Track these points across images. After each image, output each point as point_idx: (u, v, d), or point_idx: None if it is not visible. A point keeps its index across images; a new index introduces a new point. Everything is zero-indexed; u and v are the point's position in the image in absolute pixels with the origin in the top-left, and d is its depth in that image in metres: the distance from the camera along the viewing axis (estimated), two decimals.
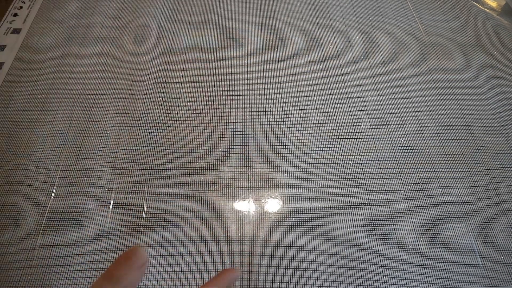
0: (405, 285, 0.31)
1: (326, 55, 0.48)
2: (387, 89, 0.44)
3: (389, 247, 0.33)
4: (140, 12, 0.51)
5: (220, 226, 0.34)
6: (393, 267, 0.32)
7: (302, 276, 0.31)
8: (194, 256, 0.32)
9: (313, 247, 0.33)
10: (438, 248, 0.33)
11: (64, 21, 0.50)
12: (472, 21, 0.53)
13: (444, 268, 0.32)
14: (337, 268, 0.32)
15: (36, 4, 0.52)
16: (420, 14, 0.54)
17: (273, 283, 0.31)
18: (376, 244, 0.33)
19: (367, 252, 0.33)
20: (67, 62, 0.46)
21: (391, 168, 0.38)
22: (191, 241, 0.33)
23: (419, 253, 0.33)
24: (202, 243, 0.33)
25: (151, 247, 0.32)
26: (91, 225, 0.34)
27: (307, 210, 0.35)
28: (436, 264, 0.32)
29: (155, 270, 0.31)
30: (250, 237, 0.33)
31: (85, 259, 0.32)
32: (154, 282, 0.31)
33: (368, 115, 0.42)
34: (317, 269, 0.32)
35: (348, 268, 0.32)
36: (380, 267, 0.32)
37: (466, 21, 0.53)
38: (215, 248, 0.33)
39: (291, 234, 0.33)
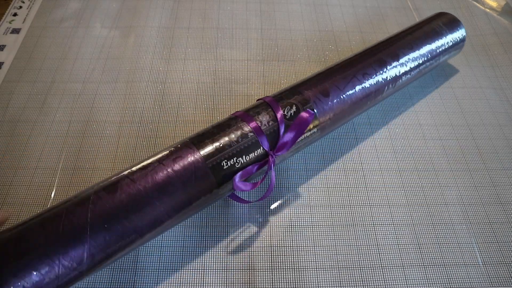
0: (405, 285, 0.31)
1: (326, 55, 0.48)
2: None
3: (389, 247, 0.33)
4: (140, 12, 0.51)
5: (220, 226, 0.34)
6: (393, 267, 0.32)
7: (302, 276, 0.31)
8: (194, 256, 0.32)
9: (313, 247, 0.33)
10: (438, 248, 0.33)
11: (64, 21, 0.50)
12: (472, 21, 0.53)
13: (444, 268, 0.32)
14: (337, 268, 0.32)
15: (36, 4, 0.52)
16: (420, 14, 0.54)
17: (273, 283, 0.31)
18: (376, 244, 0.33)
19: (367, 252, 0.33)
20: (67, 62, 0.46)
21: (391, 168, 0.38)
22: (191, 241, 0.33)
23: (420, 253, 0.33)
24: (202, 243, 0.33)
25: (151, 247, 0.32)
26: None
27: (307, 210, 0.35)
28: (436, 264, 0.32)
29: (155, 270, 0.31)
30: (250, 237, 0.33)
31: None
32: (154, 282, 0.31)
33: (368, 115, 0.42)
34: (317, 269, 0.32)
35: (348, 268, 0.32)
36: (380, 267, 0.32)
37: (466, 21, 0.53)
38: (215, 248, 0.33)
39: (291, 234, 0.33)
